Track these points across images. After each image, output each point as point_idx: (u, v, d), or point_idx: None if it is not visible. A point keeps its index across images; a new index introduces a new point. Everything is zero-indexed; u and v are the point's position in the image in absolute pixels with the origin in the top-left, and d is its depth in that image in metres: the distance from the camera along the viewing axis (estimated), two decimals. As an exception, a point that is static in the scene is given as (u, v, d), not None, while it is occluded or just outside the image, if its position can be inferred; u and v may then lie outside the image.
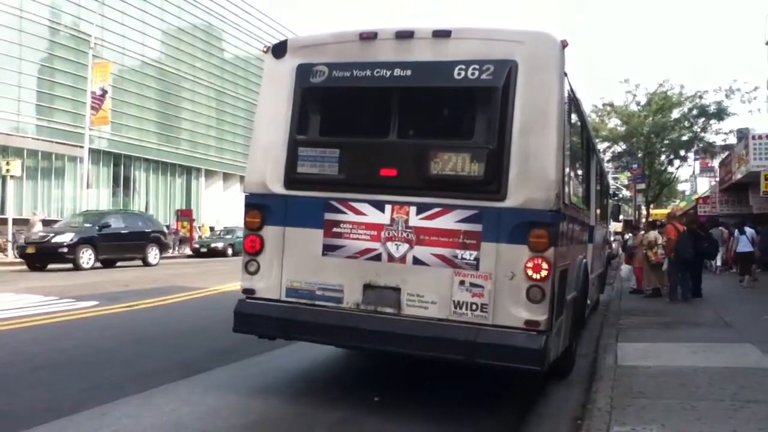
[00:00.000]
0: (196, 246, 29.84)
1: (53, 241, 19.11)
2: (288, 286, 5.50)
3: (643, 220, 32.99)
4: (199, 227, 31.95)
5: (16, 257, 21.81)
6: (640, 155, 35.48)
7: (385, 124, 5.35)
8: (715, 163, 35.46)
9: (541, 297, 4.79)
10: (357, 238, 5.28)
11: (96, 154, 31.38)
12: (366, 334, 5.20)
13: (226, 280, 14.94)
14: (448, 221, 5.04)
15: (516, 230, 4.84)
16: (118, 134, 33.65)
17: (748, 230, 16.79)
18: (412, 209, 5.14)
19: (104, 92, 25.56)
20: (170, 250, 29.53)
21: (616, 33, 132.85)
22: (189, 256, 29.40)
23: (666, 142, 35.28)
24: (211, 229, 33.97)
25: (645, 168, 35.34)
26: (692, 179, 52.51)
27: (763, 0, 43.78)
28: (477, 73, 5.04)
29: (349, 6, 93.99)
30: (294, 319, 5.40)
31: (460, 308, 4.96)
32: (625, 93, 36.55)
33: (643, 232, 16.03)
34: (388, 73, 5.28)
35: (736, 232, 17.39)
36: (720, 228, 20.43)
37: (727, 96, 32.16)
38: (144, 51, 35.97)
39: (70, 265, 19.08)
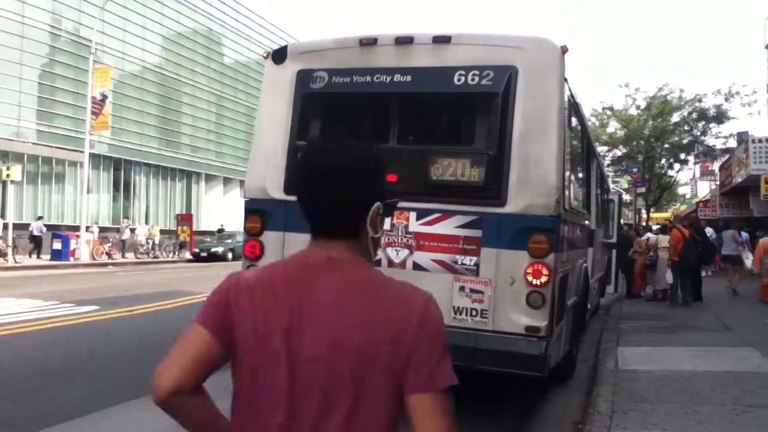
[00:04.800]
0: (196, 250, 29.80)
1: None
2: (288, 291, 5.49)
3: (643, 223, 32.98)
4: (149, 229, 30.72)
5: (16, 262, 21.83)
6: (640, 159, 35.47)
7: (385, 129, 5.35)
8: (715, 166, 35.46)
9: (542, 303, 4.79)
10: (357, 244, 5.28)
11: (96, 159, 31.34)
12: None
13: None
14: (447, 227, 5.04)
15: (516, 236, 4.84)
16: (119, 139, 33.63)
17: (743, 234, 18.41)
18: (412, 215, 5.14)
19: (105, 97, 25.56)
20: (170, 255, 29.54)
21: (615, 37, 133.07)
22: (189, 261, 29.38)
23: (666, 145, 35.27)
24: (220, 230, 33.82)
25: (645, 172, 35.34)
26: (692, 183, 52.53)
27: (763, 3, 43.91)
28: (477, 78, 5.04)
29: (349, 12, 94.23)
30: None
31: (460, 314, 4.96)
32: (624, 97, 36.52)
33: (649, 235, 16.18)
34: (388, 79, 5.29)
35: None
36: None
37: (726, 99, 32.18)
38: (144, 56, 35.97)
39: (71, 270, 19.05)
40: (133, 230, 29.07)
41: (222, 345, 1.35)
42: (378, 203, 1.37)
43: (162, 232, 33.22)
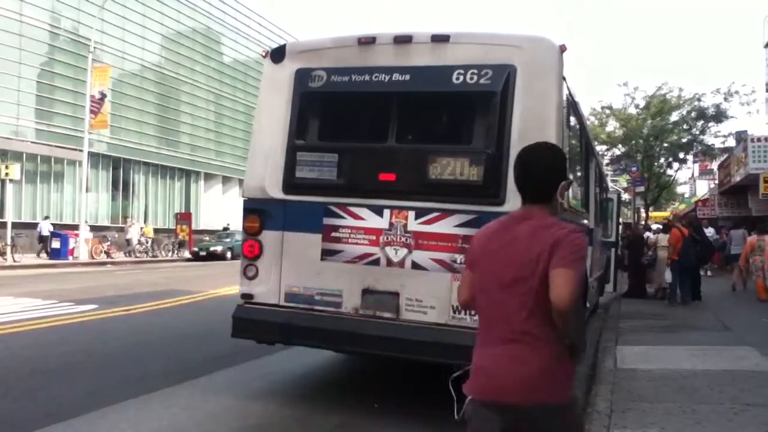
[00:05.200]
0: (195, 249, 29.76)
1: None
2: (287, 291, 5.49)
3: (642, 223, 33.01)
4: (141, 227, 30.14)
5: (15, 261, 21.81)
6: (639, 158, 35.48)
7: (384, 128, 5.35)
8: (714, 165, 35.47)
9: (540, 302, 4.78)
10: (356, 243, 5.28)
11: (95, 158, 31.27)
12: (365, 339, 5.19)
13: (224, 284, 14.92)
14: (446, 226, 5.03)
15: None
16: (118, 138, 33.57)
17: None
18: (411, 214, 5.14)
19: (103, 96, 25.53)
20: (169, 254, 29.50)
21: (614, 36, 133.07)
22: (188, 260, 29.36)
23: (665, 144, 35.27)
24: (225, 229, 33.76)
25: (644, 171, 35.36)
26: (691, 182, 52.52)
27: (762, 3, 43.95)
28: (476, 77, 5.04)
29: (348, 11, 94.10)
30: (293, 324, 5.40)
31: (459, 313, 4.96)
32: (623, 96, 36.45)
33: (648, 234, 16.24)
34: (387, 78, 5.28)
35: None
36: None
37: (725, 98, 32.17)
38: (143, 55, 35.89)
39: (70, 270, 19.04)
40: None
41: (475, 277, 2.43)
42: (564, 181, 2.39)
43: (161, 231, 33.19)
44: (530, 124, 4.91)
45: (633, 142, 35.39)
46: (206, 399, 5.65)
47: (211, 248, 29.39)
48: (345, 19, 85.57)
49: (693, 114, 33.75)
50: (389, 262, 5.18)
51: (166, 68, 38.07)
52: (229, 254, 28.63)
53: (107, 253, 25.86)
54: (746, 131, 27.91)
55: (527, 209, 2.36)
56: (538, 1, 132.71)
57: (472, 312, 4.96)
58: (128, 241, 27.96)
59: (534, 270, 2.21)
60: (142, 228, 30.18)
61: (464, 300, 2.54)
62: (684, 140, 34.65)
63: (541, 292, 2.19)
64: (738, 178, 20.57)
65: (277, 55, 5.76)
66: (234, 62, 44.88)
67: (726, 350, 7.77)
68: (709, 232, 19.89)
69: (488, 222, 4.85)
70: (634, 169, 34.86)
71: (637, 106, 35.13)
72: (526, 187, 2.39)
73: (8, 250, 22.18)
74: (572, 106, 6.21)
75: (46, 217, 26.57)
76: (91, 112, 25.21)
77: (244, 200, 5.81)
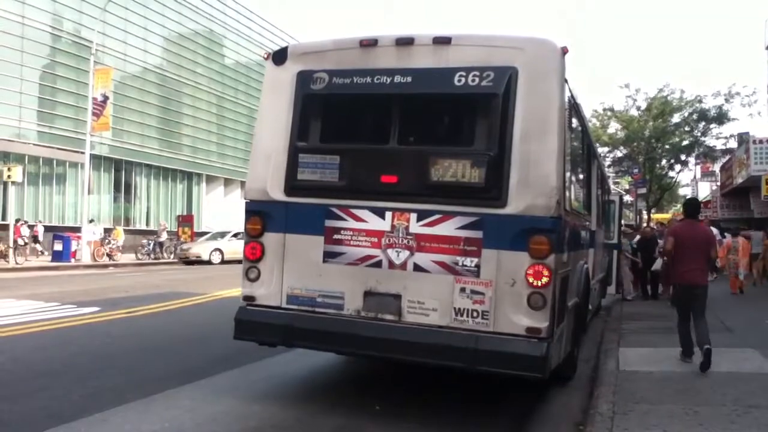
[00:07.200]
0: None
1: None
2: (288, 293, 5.50)
3: (644, 224, 32.96)
4: (101, 231, 28.37)
5: (17, 263, 21.84)
6: (640, 160, 35.44)
7: (386, 130, 5.36)
8: (716, 167, 35.44)
9: (542, 304, 4.79)
10: (358, 245, 5.29)
11: (97, 160, 31.31)
12: (366, 341, 5.19)
13: (226, 286, 14.94)
14: (448, 228, 5.04)
15: (517, 237, 4.84)
16: (120, 140, 33.61)
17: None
18: (413, 216, 5.14)
19: (105, 98, 25.58)
20: (171, 256, 29.49)
21: (615, 37, 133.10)
22: (190, 262, 29.31)
23: (666, 146, 35.25)
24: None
25: (646, 173, 35.31)
26: (693, 184, 52.45)
27: (763, 4, 43.88)
28: (477, 79, 5.04)
29: (350, 13, 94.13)
30: (294, 326, 5.40)
31: (461, 315, 4.96)
32: (625, 98, 36.41)
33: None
34: (389, 80, 5.29)
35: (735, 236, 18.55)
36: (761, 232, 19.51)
37: (726, 100, 32.13)
38: (145, 57, 35.95)
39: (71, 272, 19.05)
40: (169, 232, 29.29)
41: (675, 242, 7.22)
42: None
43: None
44: (532, 126, 4.91)
45: (635, 143, 35.37)
46: (208, 401, 5.65)
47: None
48: (347, 21, 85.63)
49: (695, 116, 33.73)
50: (391, 265, 5.18)
51: (168, 70, 38.12)
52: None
53: (109, 256, 25.88)
54: (748, 133, 27.88)
55: (692, 221, 7.37)
56: (540, 3, 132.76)
57: (475, 315, 5.02)
58: (161, 244, 28.65)
59: (705, 242, 7.12)
60: (100, 231, 29.53)
61: (669, 251, 7.25)
62: (686, 142, 34.64)
63: (707, 250, 7.10)
64: (740, 180, 20.57)
65: (279, 57, 5.77)
66: (236, 64, 44.91)
67: (728, 352, 7.76)
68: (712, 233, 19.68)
69: (493, 223, 4.97)
70: (636, 170, 34.82)
71: (638, 108, 35.13)
72: (692, 213, 7.52)
73: (10, 252, 22.20)
74: (574, 108, 6.22)
75: (91, 221, 26.57)
76: (93, 114, 25.26)
77: (246, 202, 5.82)
